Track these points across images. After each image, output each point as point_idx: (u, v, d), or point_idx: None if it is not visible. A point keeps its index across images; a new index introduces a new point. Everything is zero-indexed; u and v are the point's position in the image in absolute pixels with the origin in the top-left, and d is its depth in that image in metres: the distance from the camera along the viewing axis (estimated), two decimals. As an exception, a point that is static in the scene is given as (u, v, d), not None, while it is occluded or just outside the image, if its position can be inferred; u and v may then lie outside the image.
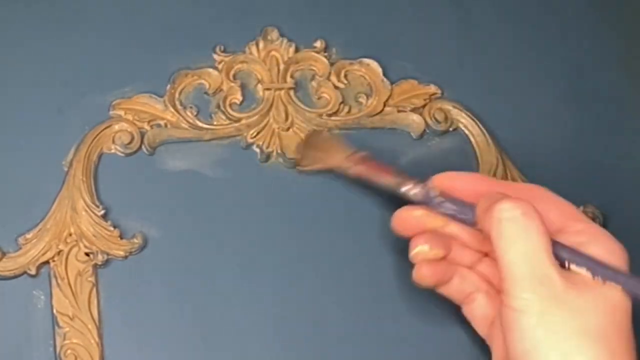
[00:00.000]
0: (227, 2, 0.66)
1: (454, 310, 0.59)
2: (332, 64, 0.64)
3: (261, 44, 0.65)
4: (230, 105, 0.63)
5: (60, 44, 0.64)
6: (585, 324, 0.50)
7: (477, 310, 0.56)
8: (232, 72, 0.64)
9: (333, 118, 0.63)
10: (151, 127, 0.62)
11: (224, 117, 0.63)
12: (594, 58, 0.67)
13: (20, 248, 0.58)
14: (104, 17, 0.65)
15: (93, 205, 0.59)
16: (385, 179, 0.57)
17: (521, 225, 0.51)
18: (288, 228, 0.60)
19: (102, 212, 0.59)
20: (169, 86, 0.63)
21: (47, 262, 0.58)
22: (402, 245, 0.61)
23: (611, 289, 0.51)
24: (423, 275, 0.55)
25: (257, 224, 0.61)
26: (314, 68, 0.64)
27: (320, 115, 0.63)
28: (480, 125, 0.64)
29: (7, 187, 0.60)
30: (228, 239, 0.60)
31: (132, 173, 0.61)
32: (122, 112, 0.62)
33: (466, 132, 0.64)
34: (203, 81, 0.63)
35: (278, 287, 0.59)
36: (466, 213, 0.55)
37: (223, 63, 0.64)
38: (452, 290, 0.56)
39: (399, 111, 0.64)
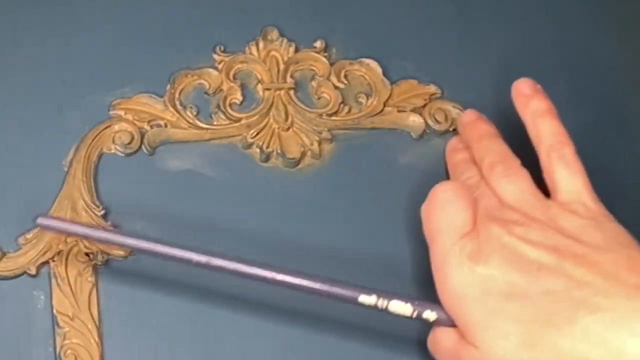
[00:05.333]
0: (227, 2, 0.66)
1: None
2: (332, 64, 0.64)
3: (261, 44, 0.65)
4: (230, 105, 0.63)
5: (60, 44, 0.64)
6: None
7: None
8: (232, 72, 0.64)
9: (333, 118, 0.63)
10: (151, 127, 0.62)
11: (224, 117, 0.63)
12: (594, 58, 0.67)
13: (20, 248, 0.58)
14: (104, 18, 0.65)
15: (93, 205, 0.59)
16: None
17: None
18: (288, 228, 0.60)
19: (102, 212, 0.59)
20: (169, 86, 0.63)
21: (47, 262, 0.58)
22: (402, 245, 0.61)
23: None
24: None
25: (257, 224, 0.61)
26: (314, 68, 0.64)
27: (320, 115, 0.63)
28: (480, 125, 0.63)
29: (7, 187, 0.60)
30: (228, 239, 0.60)
31: (132, 173, 0.61)
32: (122, 112, 0.62)
33: (466, 132, 0.64)
34: (203, 81, 0.64)
35: (277, 286, 0.59)
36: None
37: (223, 63, 0.64)
38: None
39: (399, 111, 0.64)
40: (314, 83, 0.64)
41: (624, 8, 0.69)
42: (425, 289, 0.57)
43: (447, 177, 0.63)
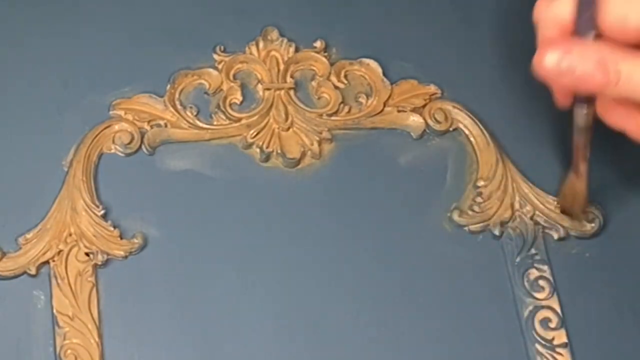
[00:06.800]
0: (227, 2, 0.66)
1: (455, 311, 0.59)
2: (332, 64, 0.64)
3: (261, 44, 0.65)
4: (230, 105, 0.63)
5: (60, 44, 0.64)
6: None
7: None
8: (232, 72, 0.64)
9: (333, 118, 0.63)
10: (151, 127, 0.62)
11: (224, 117, 0.63)
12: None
13: (20, 248, 0.58)
14: (104, 17, 0.65)
15: (93, 205, 0.59)
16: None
17: None
18: (287, 228, 0.60)
19: (102, 212, 0.59)
20: (169, 86, 0.63)
21: (47, 262, 0.58)
22: (402, 245, 0.61)
23: None
24: None
25: (257, 224, 0.61)
26: (314, 68, 0.64)
27: (320, 115, 0.63)
28: (480, 125, 0.64)
29: (7, 187, 0.60)
30: (228, 239, 0.60)
31: (132, 173, 0.61)
32: (122, 112, 0.62)
33: (466, 132, 0.64)
34: (203, 81, 0.64)
35: (278, 287, 0.59)
36: None
37: (223, 63, 0.64)
38: None
39: (399, 111, 0.64)
40: (314, 83, 0.64)
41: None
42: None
43: (447, 177, 0.63)
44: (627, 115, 0.56)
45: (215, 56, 0.64)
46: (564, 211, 0.61)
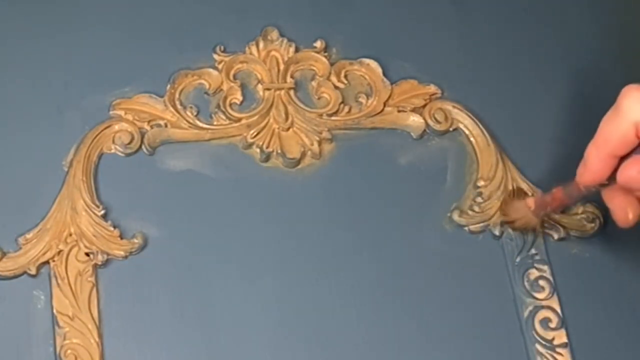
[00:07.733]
0: (227, 2, 0.66)
1: (455, 310, 0.59)
2: (332, 64, 0.64)
3: (261, 44, 0.65)
4: (230, 105, 0.63)
5: (60, 44, 0.64)
6: None
7: None
8: (232, 72, 0.64)
9: (333, 118, 0.63)
10: (151, 127, 0.62)
11: (224, 117, 0.63)
12: (594, 58, 0.67)
13: (20, 248, 0.58)
14: (104, 18, 0.65)
15: (93, 205, 0.59)
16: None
17: None
18: (288, 228, 0.60)
19: (102, 212, 0.59)
20: (169, 86, 0.63)
21: (47, 262, 0.58)
22: (402, 245, 0.61)
23: None
24: None
25: (256, 223, 0.61)
26: (314, 68, 0.64)
27: (320, 115, 0.63)
28: (480, 125, 0.64)
29: (7, 187, 0.60)
30: (228, 239, 0.60)
31: (132, 173, 0.61)
32: (122, 112, 0.62)
33: (466, 132, 0.64)
34: (203, 81, 0.64)
35: (277, 286, 0.59)
36: None
37: (223, 63, 0.64)
38: None
39: (399, 111, 0.64)
40: (314, 83, 0.64)
41: (624, 9, 0.69)
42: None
43: (447, 177, 0.63)
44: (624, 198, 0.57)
45: (215, 56, 0.64)
46: (503, 213, 0.61)
